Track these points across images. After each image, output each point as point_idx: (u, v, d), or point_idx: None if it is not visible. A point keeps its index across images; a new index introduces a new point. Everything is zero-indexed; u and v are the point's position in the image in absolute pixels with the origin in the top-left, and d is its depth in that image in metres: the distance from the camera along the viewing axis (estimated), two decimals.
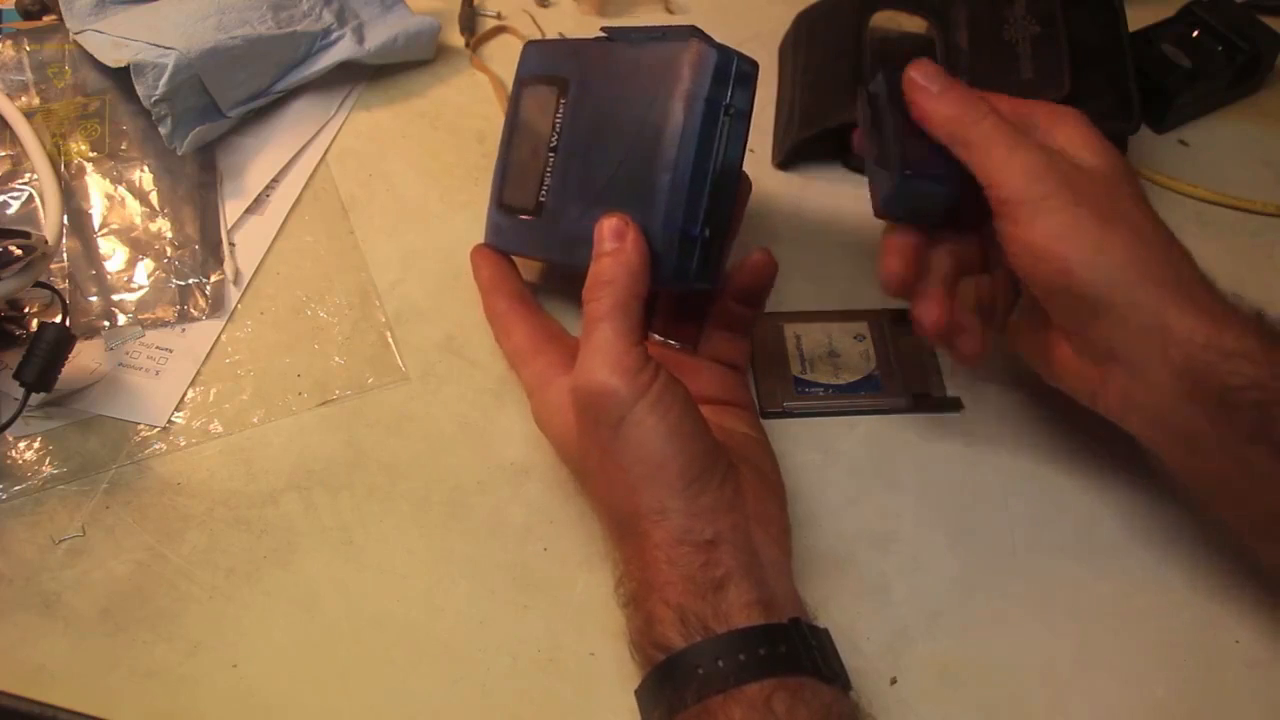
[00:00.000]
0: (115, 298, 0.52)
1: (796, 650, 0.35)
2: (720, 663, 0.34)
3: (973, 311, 0.44)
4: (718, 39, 0.43)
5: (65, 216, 0.53)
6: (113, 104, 0.58)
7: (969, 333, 0.43)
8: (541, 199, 0.46)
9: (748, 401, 0.46)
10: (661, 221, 0.41)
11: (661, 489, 0.37)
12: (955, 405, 0.49)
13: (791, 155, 0.58)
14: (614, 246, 0.41)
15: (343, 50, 0.60)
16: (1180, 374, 0.36)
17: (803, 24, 0.61)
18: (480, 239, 0.52)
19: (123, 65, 0.55)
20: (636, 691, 0.37)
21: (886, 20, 0.57)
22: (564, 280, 0.51)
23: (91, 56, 0.58)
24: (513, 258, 0.50)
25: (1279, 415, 0.35)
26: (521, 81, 0.48)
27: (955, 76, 0.42)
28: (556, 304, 0.51)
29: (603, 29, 0.46)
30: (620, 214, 0.41)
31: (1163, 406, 0.38)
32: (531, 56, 0.49)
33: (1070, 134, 0.41)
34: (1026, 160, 0.39)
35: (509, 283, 0.49)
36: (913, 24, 0.57)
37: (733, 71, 0.41)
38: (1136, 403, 0.39)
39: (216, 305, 0.52)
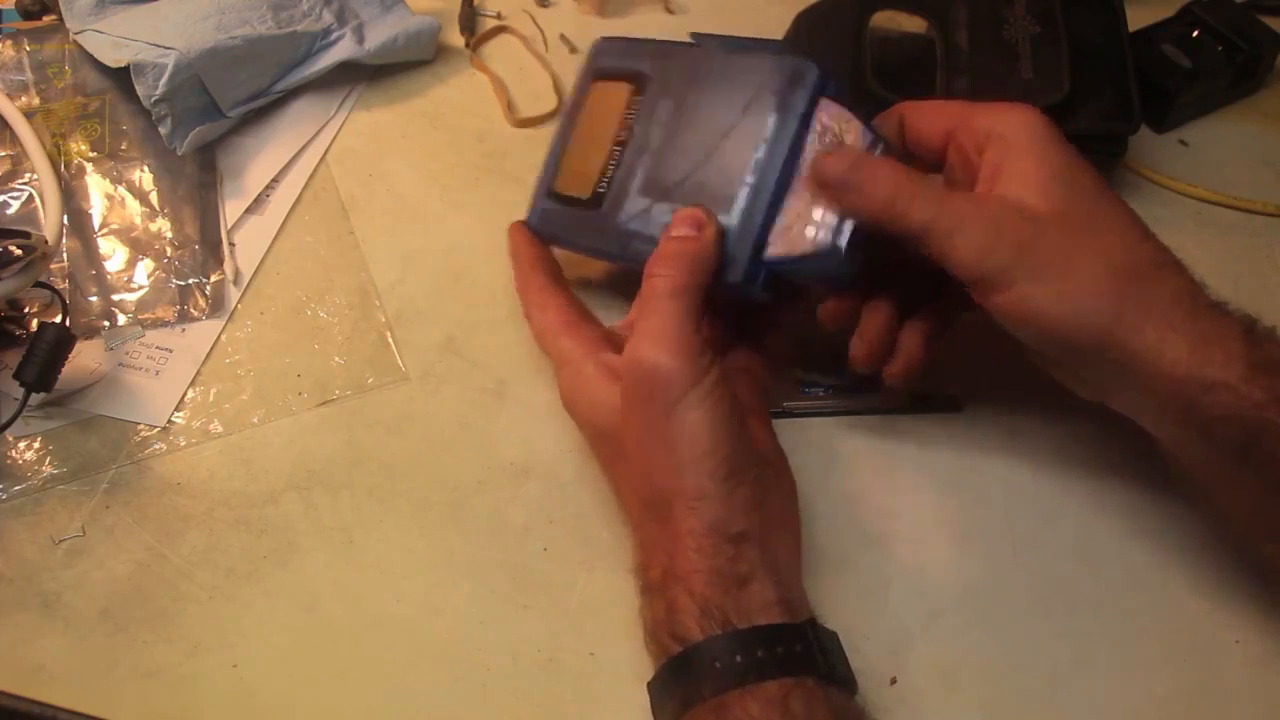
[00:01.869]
0: (115, 298, 0.52)
1: (812, 651, 0.35)
2: (738, 658, 0.34)
3: (919, 337, 0.43)
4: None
5: (65, 216, 0.53)
6: (113, 104, 0.58)
7: (903, 358, 0.43)
8: (600, 190, 0.46)
9: (765, 409, 0.46)
10: (738, 226, 0.41)
11: (704, 476, 0.37)
12: (955, 406, 0.49)
13: None
14: (689, 233, 0.40)
15: (343, 50, 0.60)
16: (1165, 404, 0.36)
17: (802, 24, 0.61)
18: (480, 239, 0.53)
19: (123, 65, 0.55)
20: (649, 684, 0.37)
21: (886, 20, 0.57)
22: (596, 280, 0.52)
23: (91, 56, 0.58)
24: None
25: (1260, 440, 0.34)
26: (594, 73, 0.48)
27: (887, 150, 0.40)
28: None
29: (691, 35, 0.46)
30: (702, 206, 0.41)
31: (1154, 427, 0.39)
32: (607, 51, 0.49)
33: (1020, 160, 0.38)
34: (972, 239, 0.37)
35: (546, 262, 0.48)
36: (912, 24, 0.57)
37: (829, 91, 0.42)
38: (1130, 418, 0.39)
39: (216, 305, 0.52)
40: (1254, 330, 0.36)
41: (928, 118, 0.43)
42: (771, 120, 0.41)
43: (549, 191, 0.49)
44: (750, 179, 0.41)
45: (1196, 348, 0.35)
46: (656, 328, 0.38)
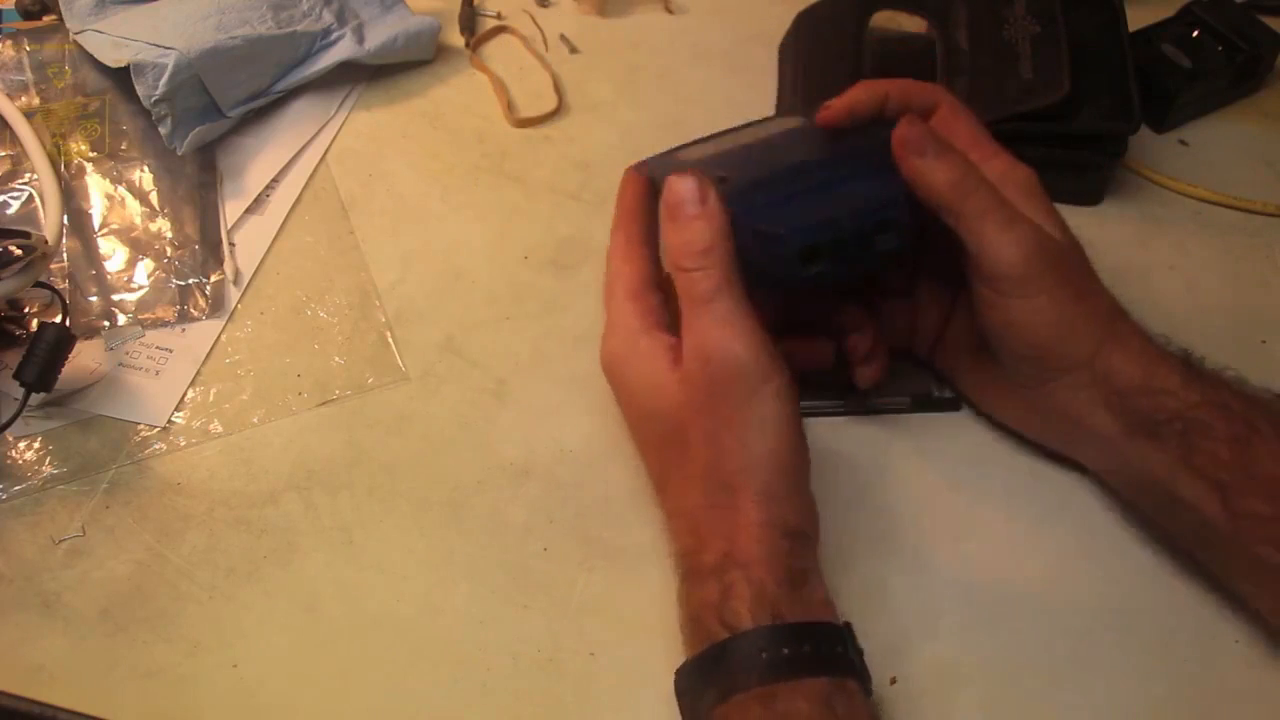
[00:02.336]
0: (115, 298, 0.52)
1: (849, 654, 0.36)
2: (785, 650, 0.35)
3: (883, 338, 0.46)
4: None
5: (65, 216, 0.53)
6: (113, 104, 0.58)
7: (872, 362, 0.46)
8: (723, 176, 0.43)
9: None
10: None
11: (774, 473, 0.38)
12: (954, 405, 0.49)
13: None
14: (700, 210, 0.39)
15: (343, 50, 0.60)
16: (1118, 416, 0.41)
17: (803, 24, 0.61)
18: (480, 239, 0.53)
19: (123, 65, 0.55)
20: (682, 669, 0.37)
21: (886, 20, 0.57)
22: None
23: (91, 56, 0.58)
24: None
25: (1197, 443, 0.39)
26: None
27: (946, 140, 0.42)
28: None
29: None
30: (695, 171, 0.40)
31: (1102, 443, 0.42)
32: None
33: (1035, 205, 0.42)
34: (1020, 238, 0.40)
35: (647, 215, 0.45)
36: (912, 24, 0.57)
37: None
38: (1078, 442, 0.44)
39: (216, 305, 0.52)
40: (1189, 355, 0.42)
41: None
42: (891, 180, 0.41)
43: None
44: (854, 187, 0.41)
45: (1147, 367, 0.41)
46: (722, 321, 0.38)
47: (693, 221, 0.39)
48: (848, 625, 0.37)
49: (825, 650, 0.35)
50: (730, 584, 0.36)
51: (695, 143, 0.47)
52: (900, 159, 0.41)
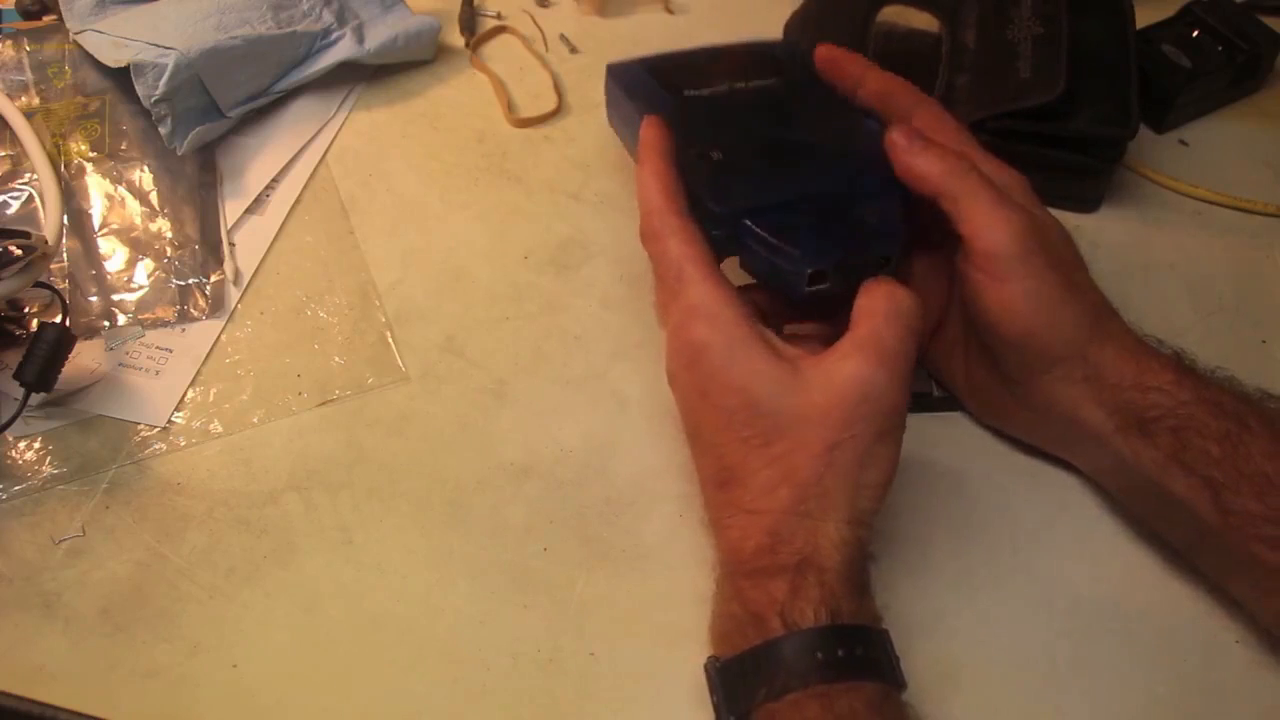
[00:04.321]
0: (115, 298, 0.52)
1: (893, 663, 0.37)
2: (841, 651, 0.35)
3: None
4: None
5: (65, 216, 0.53)
6: (113, 104, 0.58)
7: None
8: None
9: None
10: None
11: (875, 502, 0.39)
12: (952, 405, 0.49)
13: None
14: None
15: (343, 50, 0.60)
16: (1111, 412, 0.41)
17: (811, 9, 0.61)
18: (480, 239, 0.53)
19: (123, 65, 0.55)
20: (723, 664, 0.37)
21: (895, 15, 0.57)
22: None
23: (91, 56, 0.58)
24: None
25: (1189, 439, 0.39)
26: None
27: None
28: None
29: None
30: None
31: (1094, 441, 0.42)
32: None
33: (1027, 202, 0.43)
34: (1010, 217, 0.40)
35: (682, 189, 0.43)
36: (921, 20, 0.57)
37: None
38: (1070, 441, 0.44)
39: (216, 305, 0.52)
40: (1180, 355, 0.42)
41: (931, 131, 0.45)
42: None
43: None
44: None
45: (1139, 363, 0.41)
46: (875, 341, 0.38)
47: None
48: (886, 633, 0.37)
49: (875, 655, 0.36)
50: (800, 584, 0.36)
51: (675, 54, 0.49)
52: (895, 159, 0.42)
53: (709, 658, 0.38)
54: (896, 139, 0.42)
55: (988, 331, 0.43)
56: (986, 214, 0.41)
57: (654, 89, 0.48)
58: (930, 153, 0.42)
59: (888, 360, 0.38)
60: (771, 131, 0.46)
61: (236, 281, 0.53)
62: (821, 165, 0.45)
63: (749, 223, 0.42)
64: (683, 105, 0.47)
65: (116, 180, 0.56)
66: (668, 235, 0.41)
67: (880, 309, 0.39)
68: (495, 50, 0.65)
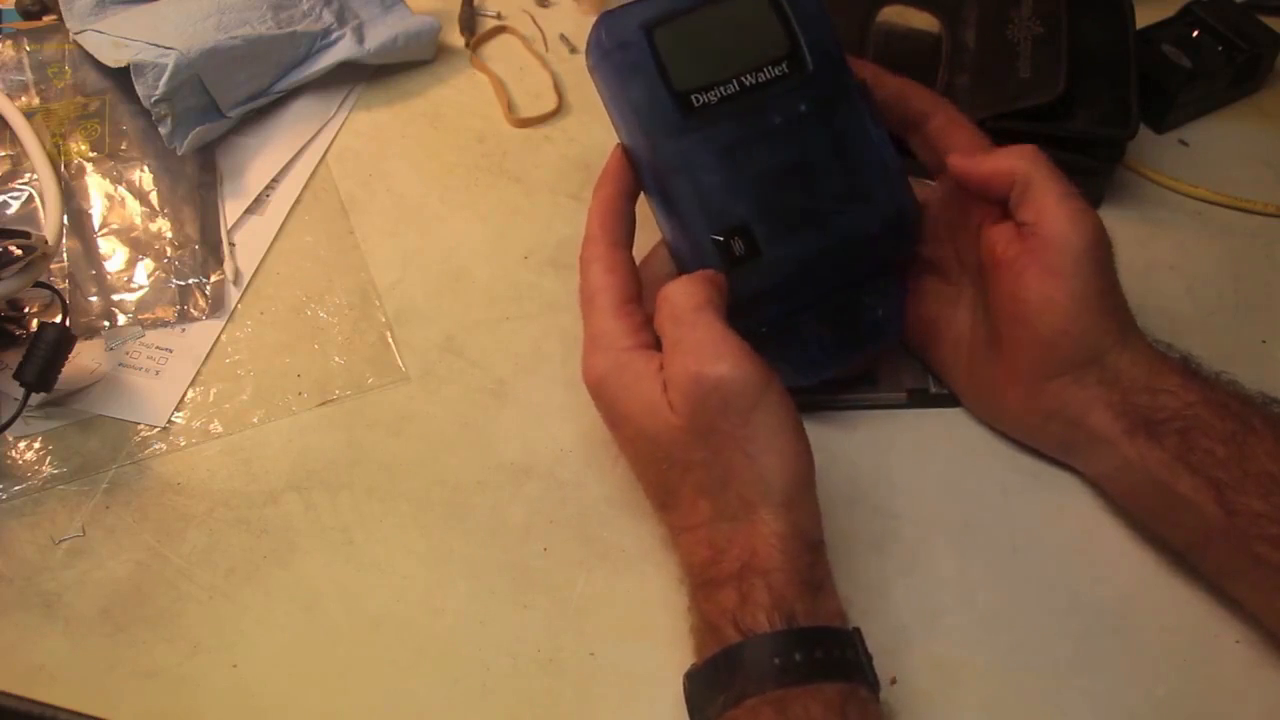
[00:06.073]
0: (115, 298, 0.52)
1: (859, 659, 0.36)
2: (797, 656, 0.35)
3: None
4: None
5: (65, 216, 0.53)
6: (113, 104, 0.58)
7: None
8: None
9: None
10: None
11: (788, 479, 0.38)
12: (951, 401, 0.49)
13: None
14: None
15: (343, 50, 0.60)
16: (1119, 415, 0.42)
17: None
18: (480, 239, 0.52)
19: (123, 65, 0.55)
20: (692, 673, 0.37)
21: (895, 15, 0.57)
22: None
23: (91, 56, 0.58)
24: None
25: (1195, 440, 0.40)
26: None
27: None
28: None
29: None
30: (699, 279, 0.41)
31: (1101, 445, 0.42)
32: None
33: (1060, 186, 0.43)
34: (1082, 213, 0.41)
35: (627, 218, 0.44)
36: (921, 20, 0.57)
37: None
38: (1075, 444, 0.44)
39: (216, 305, 0.52)
40: (1188, 359, 0.43)
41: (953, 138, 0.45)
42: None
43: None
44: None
45: (1151, 368, 0.42)
46: (710, 340, 0.38)
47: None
48: (857, 631, 0.37)
49: (837, 656, 0.35)
50: (749, 591, 0.36)
51: (676, 9, 0.43)
52: (965, 179, 0.44)
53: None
54: (957, 163, 0.43)
55: (1017, 324, 0.42)
56: (1057, 205, 0.41)
57: (657, 90, 0.43)
58: (996, 152, 0.43)
59: (707, 341, 0.38)
60: (786, 178, 0.43)
61: (236, 281, 0.53)
62: (838, 229, 0.43)
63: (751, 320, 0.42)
64: (688, 128, 0.43)
65: (116, 180, 0.56)
66: (591, 262, 0.42)
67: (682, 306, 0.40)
68: (495, 50, 0.65)
